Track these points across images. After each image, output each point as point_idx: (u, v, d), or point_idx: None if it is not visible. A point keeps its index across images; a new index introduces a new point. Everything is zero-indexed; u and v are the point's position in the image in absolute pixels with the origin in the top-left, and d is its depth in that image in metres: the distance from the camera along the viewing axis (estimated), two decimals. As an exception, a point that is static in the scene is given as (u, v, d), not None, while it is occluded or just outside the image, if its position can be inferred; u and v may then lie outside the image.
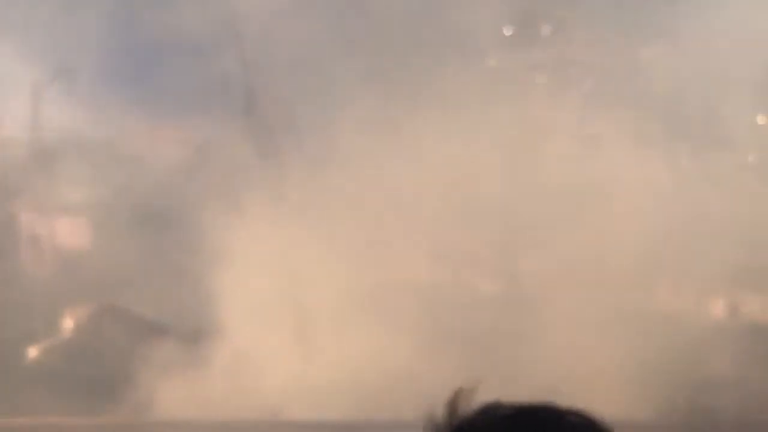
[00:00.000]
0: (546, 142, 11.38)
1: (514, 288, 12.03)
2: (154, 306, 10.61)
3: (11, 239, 11.21)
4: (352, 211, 10.90)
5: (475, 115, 10.63)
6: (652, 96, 11.87)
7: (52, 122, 10.10)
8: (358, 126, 10.42)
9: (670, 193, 11.68)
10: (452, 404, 0.96)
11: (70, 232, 11.37)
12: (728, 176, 11.50)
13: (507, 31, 12.24)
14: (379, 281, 10.84)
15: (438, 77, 10.78)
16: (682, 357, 8.91)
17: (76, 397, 9.78)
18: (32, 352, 10.52)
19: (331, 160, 10.79)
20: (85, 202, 11.09)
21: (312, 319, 10.08)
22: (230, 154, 11.34)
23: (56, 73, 10.00)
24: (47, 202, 11.14)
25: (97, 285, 10.86)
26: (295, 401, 9.20)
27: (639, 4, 12.00)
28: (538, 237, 11.12)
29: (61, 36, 10.12)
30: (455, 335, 10.69)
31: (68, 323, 10.60)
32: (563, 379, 7.97)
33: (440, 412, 0.95)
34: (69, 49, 10.15)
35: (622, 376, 7.76)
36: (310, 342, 9.89)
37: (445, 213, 11.40)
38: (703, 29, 10.70)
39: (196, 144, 11.70)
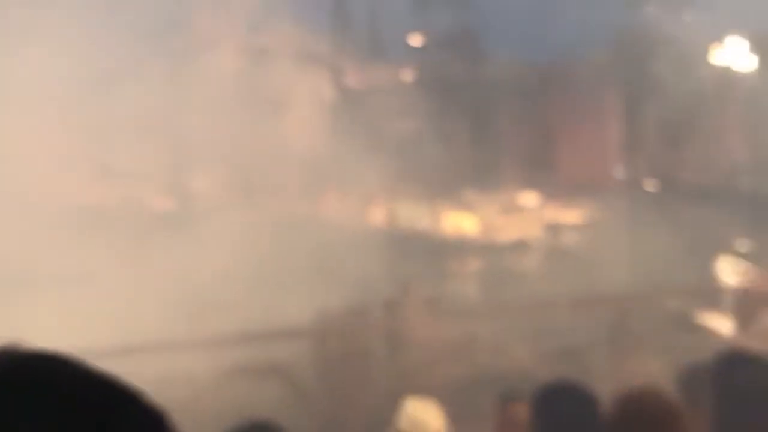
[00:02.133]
0: (212, 56, 10.97)
1: (185, 205, 11.70)
2: None
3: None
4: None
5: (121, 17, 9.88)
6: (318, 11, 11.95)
7: None
8: None
9: (336, 107, 11.99)
10: None
11: None
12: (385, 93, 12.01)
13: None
14: (38, 202, 9.81)
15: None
16: (342, 261, 9.27)
17: None
18: None
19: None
20: None
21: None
22: None
23: None
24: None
25: None
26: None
27: None
28: (207, 152, 10.82)
29: None
30: (128, 253, 10.06)
31: None
32: (226, 282, 7.88)
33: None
34: None
35: (290, 279, 7.87)
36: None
37: (110, 130, 10.62)
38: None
39: None
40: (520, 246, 21.29)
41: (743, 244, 19.13)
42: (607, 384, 5.42)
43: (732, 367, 2.24)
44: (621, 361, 5.41)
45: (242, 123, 10.86)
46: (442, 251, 17.30)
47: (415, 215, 18.45)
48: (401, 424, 2.75)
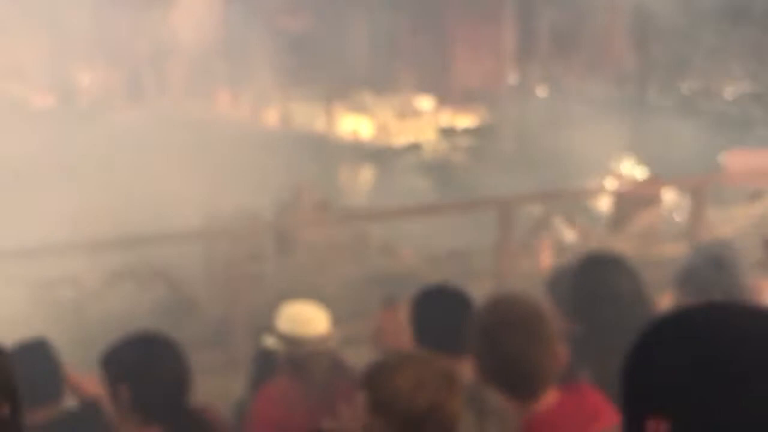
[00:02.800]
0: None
1: (70, 102, 11.13)
2: None
3: None
4: None
5: None
6: None
7: None
8: None
9: (227, 1, 11.48)
10: None
11: None
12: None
13: None
14: None
15: None
16: (234, 162, 9.09)
17: None
18: None
19: None
20: None
21: None
22: None
23: None
24: None
25: None
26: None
27: None
28: (91, 48, 10.22)
29: None
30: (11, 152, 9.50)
31: None
32: (113, 183, 7.63)
33: None
34: None
35: (179, 180, 7.64)
36: None
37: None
38: None
39: None
40: (414, 149, 21.46)
41: (629, 148, 19.88)
42: (490, 284, 5.62)
43: (595, 269, 2.32)
44: (505, 263, 5.58)
45: (128, 18, 10.27)
46: (337, 153, 17.23)
47: (309, 117, 18.21)
48: (281, 326, 2.74)
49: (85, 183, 7.81)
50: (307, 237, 6.31)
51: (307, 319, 2.78)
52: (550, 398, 1.68)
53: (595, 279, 2.29)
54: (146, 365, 1.92)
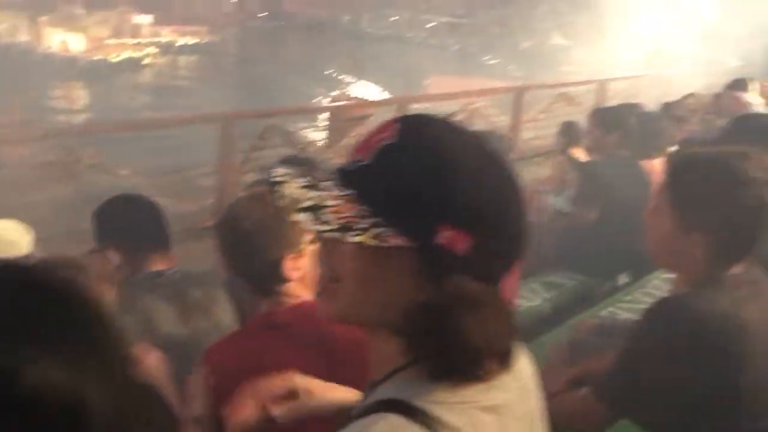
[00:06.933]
0: None
1: None
2: None
3: None
4: None
5: None
6: None
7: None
8: None
9: None
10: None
11: None
12: None
13: None
14: None
15: None
16: None
17: None
18: None
19: None
20: None
21: None
22: None
23: None
24: None
25: None
26: None
27: None
28: None
29: None
30: None
31: None
32: None
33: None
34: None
35: None
36: None
37: None
38: None
39: None
40: (132, 65, 20.11)
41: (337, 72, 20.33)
42: (212, 197, 5.47)
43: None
44: (226, 178, 5.44)
45: None
46: (46, 69, 15.56)
47: (11, 29, 16.16)
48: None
49: None
50: (13, 155, 5.67)
51: (7, 238, 2.47)
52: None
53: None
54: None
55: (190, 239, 3.63)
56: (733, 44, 12.11)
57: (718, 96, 5.04)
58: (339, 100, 10.70)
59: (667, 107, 4.78)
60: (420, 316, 0.71)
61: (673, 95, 5.99)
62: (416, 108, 7.05)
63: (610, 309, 2.81)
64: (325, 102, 11.86)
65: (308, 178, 0.76)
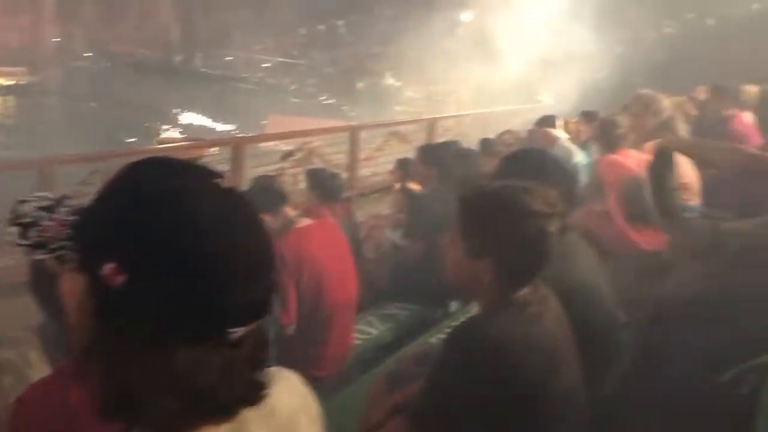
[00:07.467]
0: None
1: None
2: None
3: None
4: None
5: None
6: None
7: None
8: None
9: None
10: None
11: None
12: None
13: None
14: None
15: None
16: None
17: None
18: None
19: None
20: None
21: None
22: None
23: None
24: None
25: None
26: None
27: None
28: None
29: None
30: None
31: None
32: None
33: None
34: None
35: None
36: None
37: None
38: None
39: None
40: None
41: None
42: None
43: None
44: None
45: None
46: None
47: None
48: None
49: None
50: None
51: None
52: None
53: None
54: None
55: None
56: (547, 85, 13.09)
57: (531, 131, 5.43)
58: (169, 142, 10.42)
59: (485, 143, 5.08)
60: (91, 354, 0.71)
61: (494, 131, 6.37)
62: (253, 147, 7.00)
63: (439, 335, 2.90)
64: (156, 142, 11.49)
65: (52, 202, 0.77)
